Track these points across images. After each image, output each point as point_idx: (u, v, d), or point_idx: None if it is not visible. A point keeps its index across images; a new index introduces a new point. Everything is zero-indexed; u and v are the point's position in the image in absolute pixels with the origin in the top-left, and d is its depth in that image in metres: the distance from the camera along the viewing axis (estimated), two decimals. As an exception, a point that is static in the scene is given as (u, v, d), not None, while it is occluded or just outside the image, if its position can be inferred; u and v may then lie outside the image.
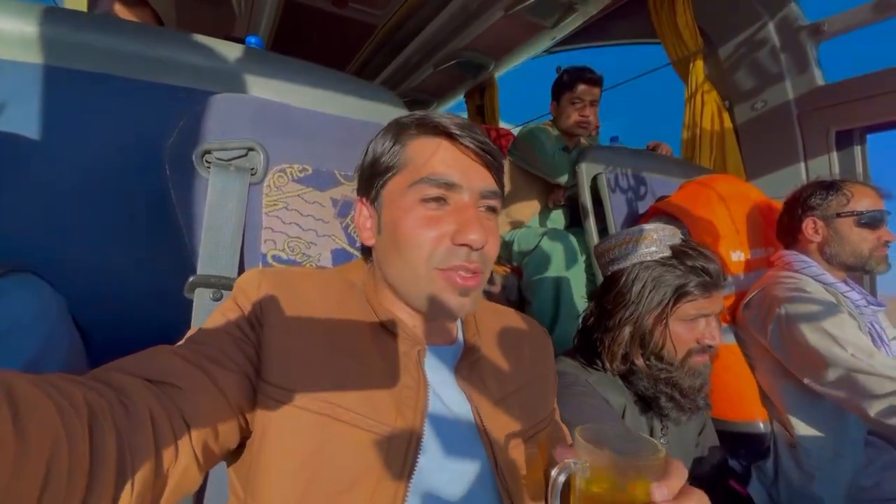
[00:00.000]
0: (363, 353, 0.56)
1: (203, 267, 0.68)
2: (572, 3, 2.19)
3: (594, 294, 1.05)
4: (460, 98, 3.68)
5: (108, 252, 0.76)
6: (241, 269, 0.72)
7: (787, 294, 1.23)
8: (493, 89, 3.45)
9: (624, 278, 0.94)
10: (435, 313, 0.59)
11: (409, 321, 0.62)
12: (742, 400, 1.28)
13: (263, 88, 0.89)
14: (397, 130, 0.61)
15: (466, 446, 0.56)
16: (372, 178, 0.62)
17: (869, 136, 1.78)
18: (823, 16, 1.77)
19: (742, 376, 1.31)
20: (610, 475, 0.45)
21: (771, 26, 1.89)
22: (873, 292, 1.62)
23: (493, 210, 0.61)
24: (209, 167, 0.71)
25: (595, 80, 1.94)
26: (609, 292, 0.97)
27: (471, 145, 0.57)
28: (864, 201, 1.27)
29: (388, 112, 1.04)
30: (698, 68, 2.09)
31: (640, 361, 0.91)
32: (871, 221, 1.26)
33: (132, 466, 0.37)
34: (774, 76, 1.91)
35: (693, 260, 0.90)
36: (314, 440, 0.50)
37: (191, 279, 0.67)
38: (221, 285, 0.68)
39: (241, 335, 0.53)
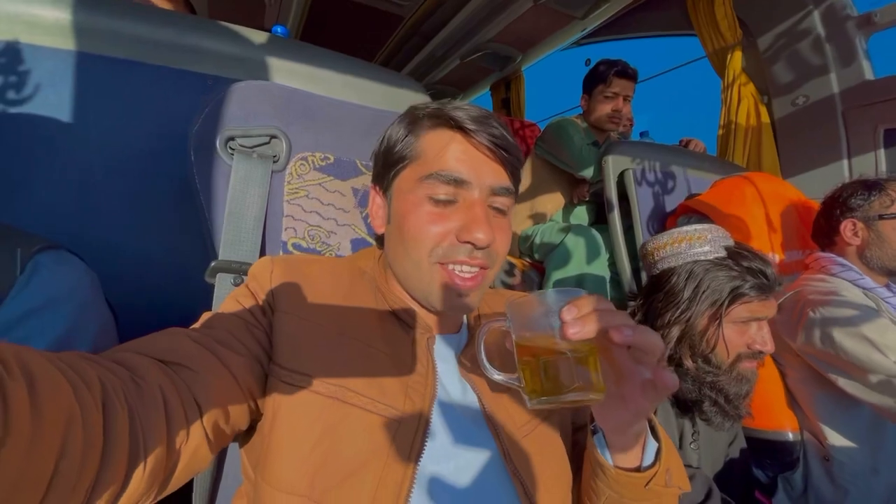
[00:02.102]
0: (372, 339, 0.57)
1: (225, 252, 0.69)
2: (605, -8, 2.13)
3: (637, 293, 1.03)
4: (486, 90, 3.64)
5: (135, 235, 0.78)
6: (263, 255, 0.73)
7: (820, 298, 1.17)
8: (519, 82, 3.39)
9: (675, 277, 0.92)
10: (435, 307, 0.59)
11: (418, 309, 0.62)
12: (770, 408, 1.23)
13: (288, 76, 0.89)
14: (412, 119, 0.61)
15: (473, 435, 0.56)
16: (385, 167, 0.62)
17: (920, 135, 1.67)
18: (875, 6, 1.66)
19: (770, 383, 1.25)
20: (529, 313, 0.46)
21: (816, 15, 1.79)
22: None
23: (502, 210, 0.60)
24: (233, 154, 0.71)
25: (630, 75, 1.88)
26: (658, 291, 0.95)
27: (484, 141, 0.56)
28: None
29: (411, 100, 1.03)
30: (735, 60, 2.01)
31: (688, 362, 0.89)
32: (919, 224, 1.18)
33: (144, 445, 0.37)
34: (818, 69, 1.81)
35: (749, 261, 0.87)
36: (324, 423, 0.50)
37: (212, 264, 0.67)
38: (242, 271, 0.69)
39: (253, 320, 0.54)
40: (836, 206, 1.28)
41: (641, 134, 2.03)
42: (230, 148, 0.71)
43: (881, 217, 1.21)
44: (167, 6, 1.31)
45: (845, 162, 1.77)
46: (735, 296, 0.86)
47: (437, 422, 0.55)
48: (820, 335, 1.13)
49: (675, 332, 0.90)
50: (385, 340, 0.57)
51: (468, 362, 0.61)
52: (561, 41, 2.75)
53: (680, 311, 0.89)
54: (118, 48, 0.77)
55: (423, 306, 0.61)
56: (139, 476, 0.37)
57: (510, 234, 0.61)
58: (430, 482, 0.51)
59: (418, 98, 1.04)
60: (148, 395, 0.39)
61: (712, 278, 0.88)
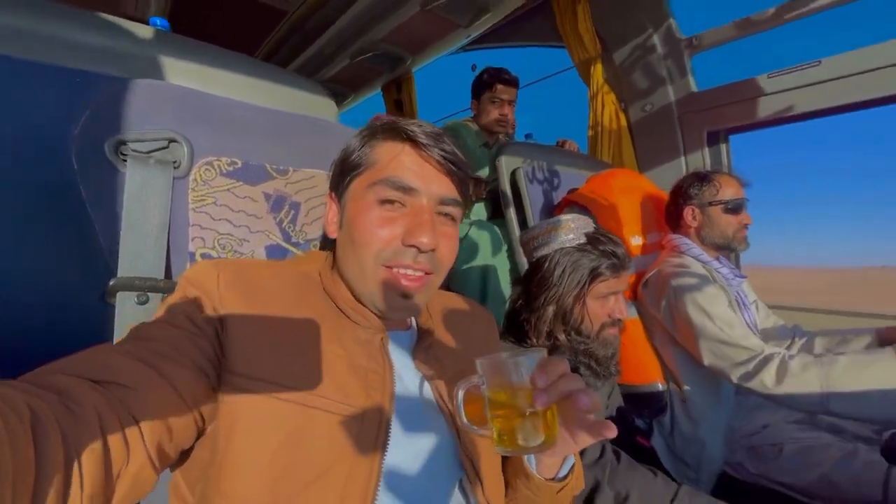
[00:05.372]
0: (327, 341, 0.57)
1: (124, 269, 0.62)
2: (486, 4, 2.28)
3: (521, 280, 1.14)
4: (377, 91, 3.63)
5: (6, 255, 0.66)
6: (168, 270, 0.67)
7: (674, 274, 1.43)
8: (410, 83, 3.45)
9: (547, 264, 1.05)
10: (380, 309, 0.61)
11: (367, 311, 0.63)
12: (644, 366, 1.47)
13: (170, 72, 0.83)
14: (370, 132, 0.63)
15: (430, 422, 0.60)
16: (341, 175, 0.64)
17: (731, 137, 2.11)
18: (698, 31, 2.05)
19: (643, 345, 1.50)
20: (503, 377, 0.51)
21: (656, 37, 2.14)
22: (738, 266, 1.94)
23: (451, 217, 0.63)
24: (125, 160, 0.64)
25: (512, 81, 2.07)
26: (534, 277, 1.07)
27: (434, 154, 0.59)
28: (728, 190, 1.52)
29: (313, 102, 1.02)
30: (598, 71, 2.31)
31: (562, 337, 1.02)
32: (735, 208, 1.51)
33: (80, 470, 0.35)
34: (659, 81, 2.18)
35: (604, 245, 1.02)
36: (286, 428, 0.50)
37: (111, 282, 0.61)
38: (147, 287, 0.63)
39: (196, 329, 0.51)
40: (679, 196, 1.58)
41: (526, 135, 2.23)
42: (122, 154, 0.64)
43: (710, 203, 1.52)
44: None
45: (682, 159, 2.16)
46: (594, 275, 1.01)
47: (397, 414, 0.57)
48: (674, 306, 1.39)
49: (551, 311, 1.03)
50: (339, 342, 0.58)
51: (422, 357, 0.64)
52: (448, 46, 2.86)
53: (552, 292, 1.03)
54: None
55: (369, 309, 0.62)
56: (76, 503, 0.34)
57: (457, 244, 0.64)
58: (395, 471, 0.54)
59: (322, 101, 1.03)
60: (82, 418, 0.36)
61: (575, 262, 1.03)
